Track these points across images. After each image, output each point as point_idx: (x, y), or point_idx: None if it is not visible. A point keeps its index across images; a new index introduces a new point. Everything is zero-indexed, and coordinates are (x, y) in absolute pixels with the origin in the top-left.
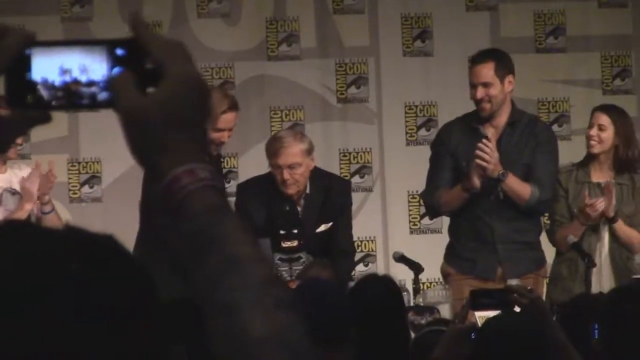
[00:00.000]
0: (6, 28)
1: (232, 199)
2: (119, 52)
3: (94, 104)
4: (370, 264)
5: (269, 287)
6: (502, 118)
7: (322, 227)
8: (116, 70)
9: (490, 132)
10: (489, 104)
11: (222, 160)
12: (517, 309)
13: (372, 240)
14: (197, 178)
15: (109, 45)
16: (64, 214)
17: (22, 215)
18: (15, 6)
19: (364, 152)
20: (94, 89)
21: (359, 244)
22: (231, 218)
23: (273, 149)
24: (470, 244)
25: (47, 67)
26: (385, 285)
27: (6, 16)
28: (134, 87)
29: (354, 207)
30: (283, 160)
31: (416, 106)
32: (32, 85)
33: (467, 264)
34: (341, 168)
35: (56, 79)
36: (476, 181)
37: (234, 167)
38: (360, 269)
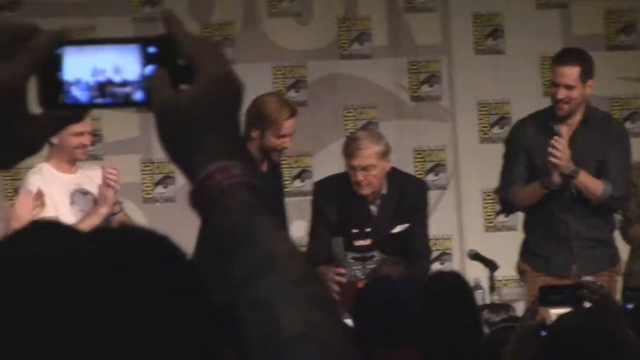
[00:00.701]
0: (36, 28)
1: (304, 198)
2: (151, 49)
3: (127, 104)
4: (446, 262)
5: (304, 284)
6: (577, 117)
7: (398, 228)
8: (149, 68)
9: (564, 130)
10: (568, 105)
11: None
12: (588, 305)
13: (447, 239)
14: (231, 175)
15: (141, 44)
16: (136, 215)
17: (96, 219)
18: (85, 7)
19: (437, 151)
20: (128, 88)
21: (435, 242)
22: (265, 215)
23: (349, 149)
24: (545, 241)
25: (80, 67)
26: (455, 282)
27: (77, 17)
28: (168, 86)
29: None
30: (358, 162)
31: (489, 104)
32: (65, 85)
33: (542, 261)
34: (415, 166)
35: (89, 79)
36: (557, 178)
37: (308, 167)
38: (436, 267)
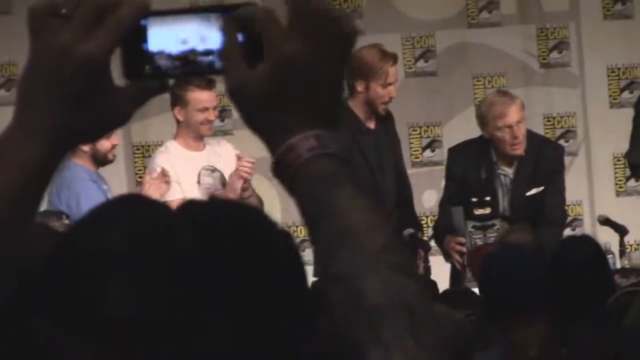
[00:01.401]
0: None
1: (435, 168)
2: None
3: (211, 72)
4: (577, 228)
5: (385, 254)
6: None
7: (534, 191)
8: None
9: None
10: None
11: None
12: None
13: (578, 204)
14: (311, 147)
15: (223, 11)
16: (268, 191)
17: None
18: None
19: (567, 117)
20: (211, 57)
21: (566, 208)
22: (345, 186)
23: (496, 110)
24: None
25: (164, 38)
26: (589, 248)
27: None
28: (239, 59)
29: None
30: (510, 119)
31: (619, 69)
32: (149, 55)
33: None
34: (546, 133)
35: (173, 48)
36: None
37: (438, 136)
38: (567, 233)
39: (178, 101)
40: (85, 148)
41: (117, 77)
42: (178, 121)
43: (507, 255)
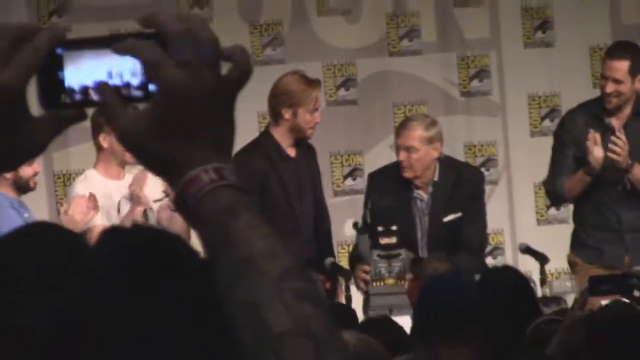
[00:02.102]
0: (37, 27)
1: (356, 197)
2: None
3: (128, 100)
4: (498, 257)
5: (288, 280)
6: (627, 109)
7: (451, 217)
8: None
9: (614, 122)
10: (616, 99)
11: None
12: (638, 295)
13: (499, 233)
14: (211, 179)
15: (135, 38)
16: None
17: (132, 217)
18: (133, 11)
19: (488, 145)
20: (128, 89)
21: (485, 235)
22: (245, 215)
23: (398, 128)
24: (597, 233)
25: (80, 66)
26: (513, 278)
27: (125, 20)
28: (120, 103)
29: None
30: (401, 141)
31: (539, 97)
32: (65, 84)
33: (594, 253)
34: (466, 161)
35: (87, 79)
36: (595, 162)
37: (359, 164)
38: (489, 262)
39: (102, 128)
40: (7, 175)
41: (35, 106)
42: (99, 149)
43: (434, 286)
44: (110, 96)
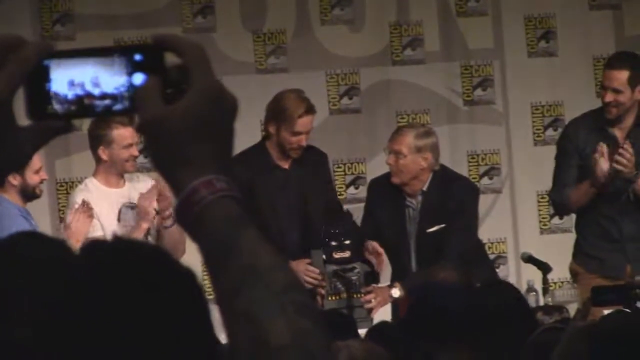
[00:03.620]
0: (23, 40)
1: (359, 205)
2: (137, 57)
3: (112, 113)
4: (501, 266)
5: (289, 294)
6: (629, 120)
7: (435, 227)
8: (138, 76)
9: (617, 132)
10: (616, 109)
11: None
12: None
13: (502, 242)
14: (215, 189)
15: (127, 52)
16: None
17: (139, 234)
18: (136, 19)
19: (492, 154)
20: (107, 101)
21: (490, 245)
22: (249, 228)
23: (392, 133)
24: (599, 243)
25: (67, 78)
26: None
27: (128, 29)
28: (158, 97)
29: (482, 209)
30: (390, 144)
31: (542, 106)
32: (52, 95)
33: (595, 263)
34: (470, 170)
35: (76, 89)
36: (601, 173)
37: (362, 173)
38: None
39: (101, 141)
40: (15, 182)
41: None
42: (99, 161)
43: (430, 295)
44: (152, 82)
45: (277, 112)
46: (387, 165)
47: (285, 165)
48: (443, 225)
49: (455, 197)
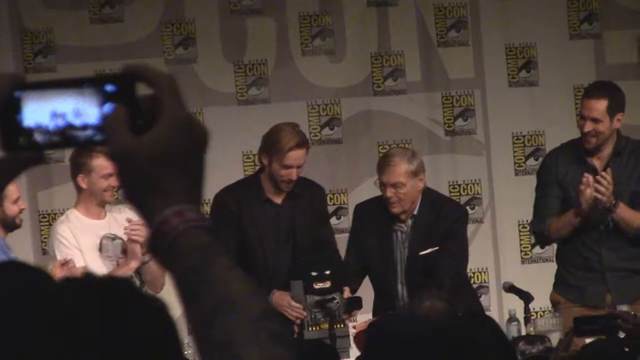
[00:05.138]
0: None
1: (341, 236)
2: (109, 88)
3: (88, 144)
4: (483, 295)
5: (264, 322)
6: (608, 149)
7: (428, 250)
8: (107, 106)
9: (596, 162)
10: (595, 138)
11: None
12: (622, 335)
13: (484, 272)
14: (186, 219)
15: (98, 82)
16: None
17: (127, 271)
18: (117, 50)
19: (473, 184)
20: (88, 131)
21: (471, 275)
22: (221, 257)
23: (380, 165)
24: (579, 272)
25: (39, 110)
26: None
27: (110, 61)
28: (126, 127)
29: None
30: (387, 178)
31: (524, 136)
32: (24, 127)
33: (576, 292)
34: (449, 197)
35: (48, 122)
36: (585, 205)
37: (343, 203)
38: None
39: (80, 169)
40: None
41: None
42: (79, 189)
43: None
44: (119, 112)
45: (270, 145)
46: (387, 197)
47: (278, 199)
48: (436, 248)
49: (446, 219)
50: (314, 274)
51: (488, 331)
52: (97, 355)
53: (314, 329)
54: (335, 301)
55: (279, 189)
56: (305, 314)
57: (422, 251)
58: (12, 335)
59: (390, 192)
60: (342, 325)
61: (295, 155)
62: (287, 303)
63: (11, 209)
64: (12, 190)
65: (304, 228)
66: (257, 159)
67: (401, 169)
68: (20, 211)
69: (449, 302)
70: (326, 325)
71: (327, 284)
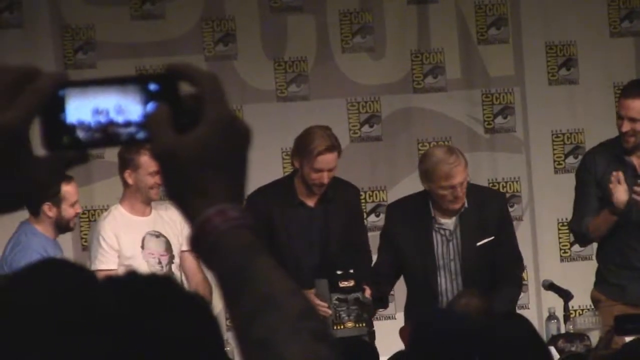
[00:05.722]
0: (37, 70)
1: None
2: (152, 87)
3: (131, 142)
4: (522, 293)
5: (305, 320)
6: None
7: (485, 240)
8: (151, 105)
9: (636, 162)
10: (633, 138)
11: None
12: None
13: (523, 270)
14: (228, 218)
15: (142, 81)
16: None
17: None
18: (157, 47)
19: (512, 182)
20: (131, 129)
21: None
22: (263, 256)
23: (443, 171)
24: (619, 271)
25: (82, 108)
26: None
27: (150, 57)
28: (169, 125)
29: None
30: (457, 180)
31: (563, 134)
32: (68, 126)
33: (617, 290)
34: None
35: (91, 120)
36: (620, 200)
37: (382, 201)
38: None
39: (128, 164)
40: (50, 213)
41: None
42: (125, 185)
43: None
44: (163, 109)
45: (301, 148)
46: (454, 198)
47: (311, 202)
48: (492, 238)
49: (492, 207)
50: (338, 272)
51: (523, 330)
52: (140, 354)
53: (338, 327)
54: (360, 300)
55: (312, 192)
56: (330, 312)
57: (478, 242)
58: (53, 335)
59: (458, 192)
60: (364, 325)
61: (326, 159)
62: (312, 301)
63: (68, 211)
64: (71, 192)
65: (337, 231)
66: (290, 162)
67: (462, 166)
68: (76, 214)
69: (485, 300)
70: (350, 324)
71: (351, 283)
